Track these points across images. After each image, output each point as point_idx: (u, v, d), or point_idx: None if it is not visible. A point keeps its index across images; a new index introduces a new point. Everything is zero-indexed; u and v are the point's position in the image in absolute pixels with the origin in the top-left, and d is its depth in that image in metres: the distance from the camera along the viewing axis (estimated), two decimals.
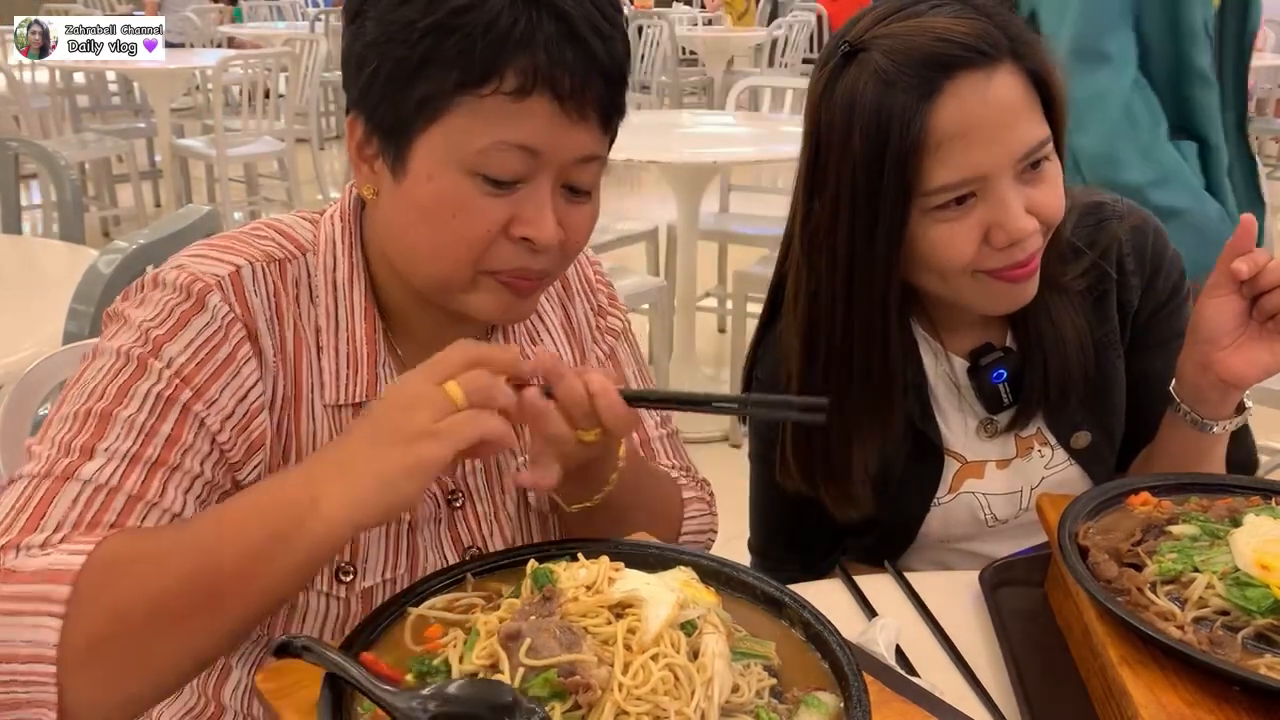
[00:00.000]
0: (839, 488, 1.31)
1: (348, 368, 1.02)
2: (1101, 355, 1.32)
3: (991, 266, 1.16)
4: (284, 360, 1.00)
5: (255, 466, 0.98)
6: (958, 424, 1.35)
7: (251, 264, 1.00)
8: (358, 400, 1.03)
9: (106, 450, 0.89)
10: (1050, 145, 1.16)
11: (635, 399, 0.92)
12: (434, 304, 1.03)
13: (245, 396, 0.96)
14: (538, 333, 1.17)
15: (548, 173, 0.95)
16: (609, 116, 0.96)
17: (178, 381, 0.93)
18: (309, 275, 1.03)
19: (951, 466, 1.35)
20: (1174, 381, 1.24)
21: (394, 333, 1.07)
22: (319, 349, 1.02)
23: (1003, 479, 1.37)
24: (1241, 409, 1.24)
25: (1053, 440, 1.36)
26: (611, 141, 1.00)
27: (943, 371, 1.34)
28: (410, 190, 0.95)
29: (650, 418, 1.26)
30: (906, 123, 1.10)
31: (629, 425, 0.92)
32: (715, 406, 0.97)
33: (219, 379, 0.95)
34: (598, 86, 0.93)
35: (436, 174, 0.93)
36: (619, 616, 0.77)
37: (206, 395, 0.94)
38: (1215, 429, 1.22)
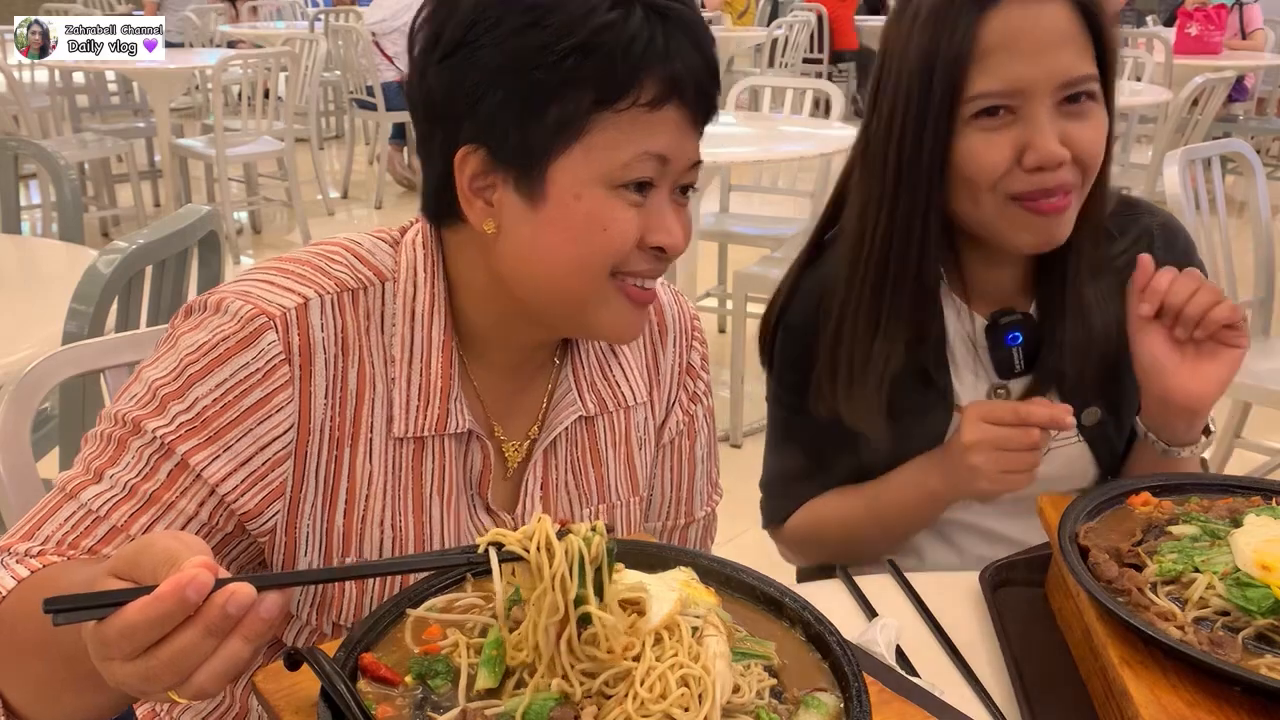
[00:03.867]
0: (859, 392, 1.32)
1: (419, 399, 1.00)
2: (1122, 338, 1.32)
3: (1019, 189, 1.20)
4: (343, 399, 0.98)
5: (272, 515, 0.98)
6: (969, 382, 1.37)
7: (321, 296, 0.97)
8: (425, 434, 1.01)
9: (112, 477, 0.93)
10: (1095, 86, 1.20)
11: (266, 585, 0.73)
12: (514, 334, 1.03)
13: (268, 445, 0.95)
14: (609, 366, 1.13)
15: (669, 180, 0.96)
16: (708, 119, 0.99)
17: (190, 428, 0.93)
18: (384, 304, 1.01)
19: (958, 420, 1.34)
20: (1139, 415, 1.31)
21: (470, 363, 1.06)
22: (390, 380, 1.00)
23: None
24: (1207, 432, 1.30)
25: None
26: None
27: (964, 330, 1.36)
28: (555, 214, 0.94)
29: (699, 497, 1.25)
30: (958, 30, 1.18)
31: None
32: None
33: (240, 424, 0.94)
34: (712, 92, 0.96)
35: (584, 193, 0.93)
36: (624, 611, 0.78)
37: (221, 441, 0.93)
38: (1184, 454, 1.28)
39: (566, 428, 1.09)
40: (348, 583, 1.01)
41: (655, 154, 0.93)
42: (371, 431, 1.00)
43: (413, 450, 1.01)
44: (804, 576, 1.70)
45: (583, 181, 0.93)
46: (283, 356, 0.94)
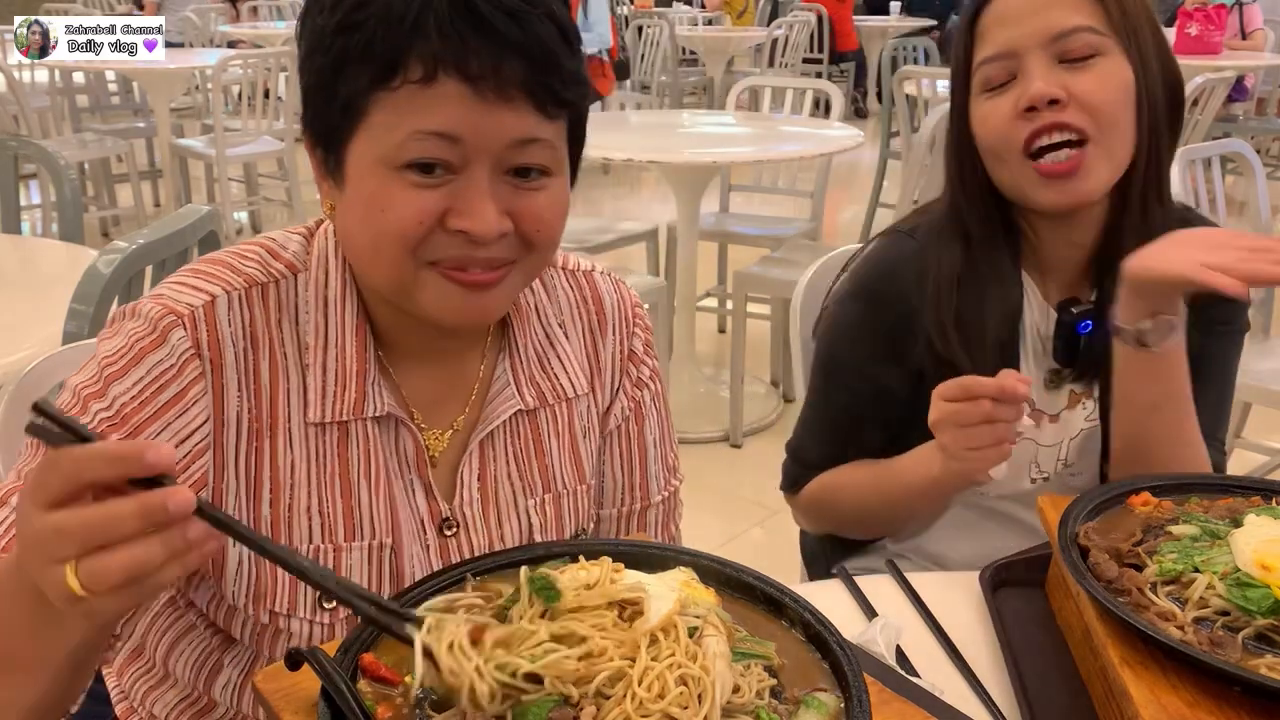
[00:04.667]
0: (975, 350, 1.36)
1: (335, 384, 1.01)
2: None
3: (1023, 136, 1.27)
4: (256, 391, 1.00)
5: None
6: (1030, 367, 1.41)
7: (228, 293, 0.99)
8: (343, 418, 1.01)
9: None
10: (1094, 38, 1.26)
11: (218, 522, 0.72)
12: (418, 321, 1.00)
13: (187, 439, 0.97)
14: (548, 359, 1.13)
15: (481, 161, 0.92)
16: (541, 97, 0.91)
17: (111, 424, 0.94)
18: (296, 295, 1.02)
19: None
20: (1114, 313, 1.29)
21: (385, 350, 1.06)
22: (304, 367, 1.01)
23: (1051, 432, 1.43)
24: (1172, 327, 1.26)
25: (1096, 394, 1.42)
26: (575, 122, 0.97)
27: (1034, 311, 1.41)
28: (351, 195, 0.95)
29: (658, 481, 1.23)
30: (967, 19, 1.34)
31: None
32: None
33: (160, 419, 0.95)
34: (516, 67, 0.89)
35: (367, 174, 0.93)
36: (622, 612, 0.78)
37: (143, 435, 0.95)
38: (1155, 349, 1.24)
39: (505, 421, 1.10)
40: (282, 573, 1.01)
41: (433, 132, 0.89)
42: (290, 421, 1.01)
43: (336, 437, 1.02)
44: (807, 577, 1.71)
45: (367, 163, 0.92)
46: (192, 352, 0.97)
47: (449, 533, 1.08)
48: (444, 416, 1.09)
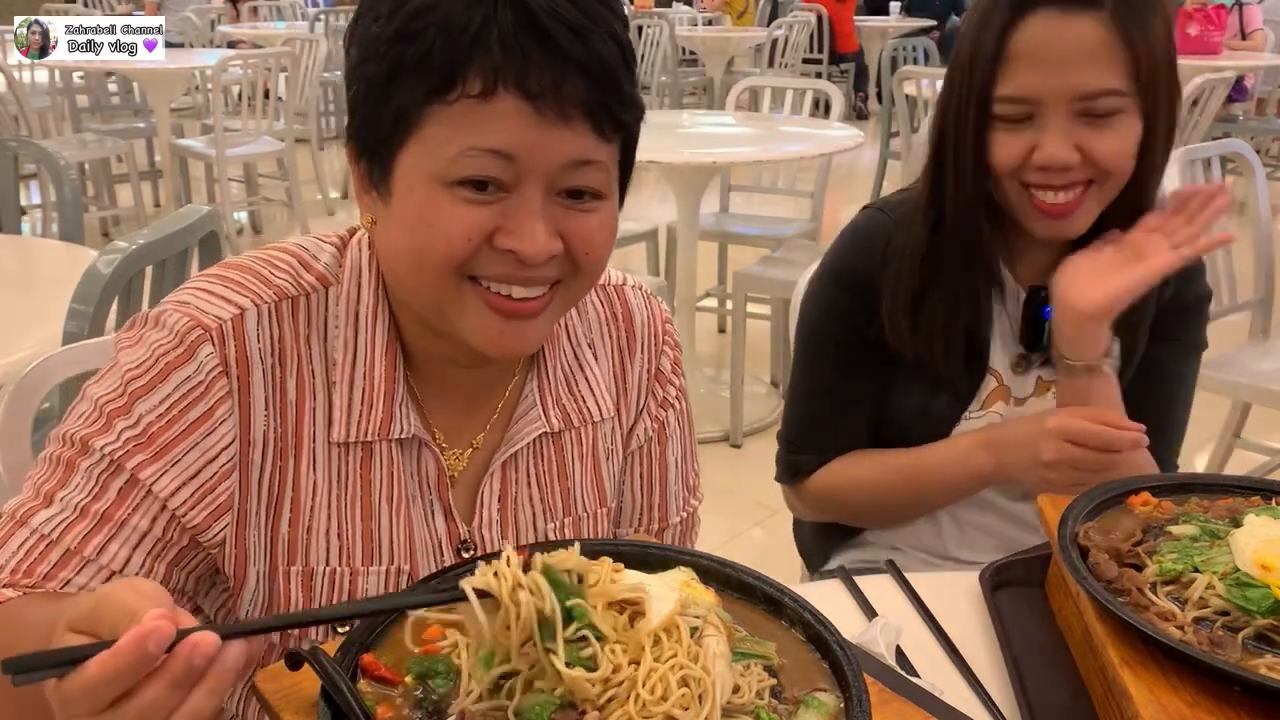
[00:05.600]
0: (933, 335, 1.40)
1: (361, 403, 0.98)
2: (1140, 332, 1.42)
3: (1030, 180, 1.30)
4: (283, 409, 0.97)
5: (221, 529, 0.97)
6: (999, 349, 1.45)
7: (258, 306, 0.96)
8: (368, 438, 0.99)
9: (62, 500, 0.92)
10: (1119, 100, 1.27)
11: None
12: (451, 345, 0.98)
13: (214, 459, 0.94)
14: (576, 381, 1.10)
15: (534, 180, 0.89)
16: (600, 118, 0.89)
17: (137, 444, 0.92)
18: (326, 310, 0.99)
19: (989, 384, 1.45)
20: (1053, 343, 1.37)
21: (412, 369, 1.03)
22: (330, 384, 0.98)
23: (1018, 413, 1.46)
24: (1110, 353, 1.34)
25: None
26: (626, 145, 0.95)
27: (1005, 300, 1.44)
28: (398, 208, 0.91)
29: (675, 503, 1.21)
30: (992, 33, 1.29)
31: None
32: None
33: (186, 438, 0.93)
34: (578, 85, 0.86)
35: (416, 187, 0.90)
36: (622, 612, 0.78)
37: (168, 456, 0.93)
38: (1083, 371, 1.32)
39: (529, 442, 1.07)
40: (295, 590, 1.00)
41: (489, 150, 0.86)
42: (314, 440, 0.98)
43: (359, 458, 0.99)
44: (808, 577, 1.71)
45: (417, 176, 0.89)
46: (220, 369, 0.94)
47: (467, 555, 1.05)
48: (465, 435, 1.06)
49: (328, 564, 1.00)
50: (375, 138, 0.91)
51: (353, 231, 1.05)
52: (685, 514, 1.22)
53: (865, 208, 1.51)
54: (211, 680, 0.66)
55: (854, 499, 1.52)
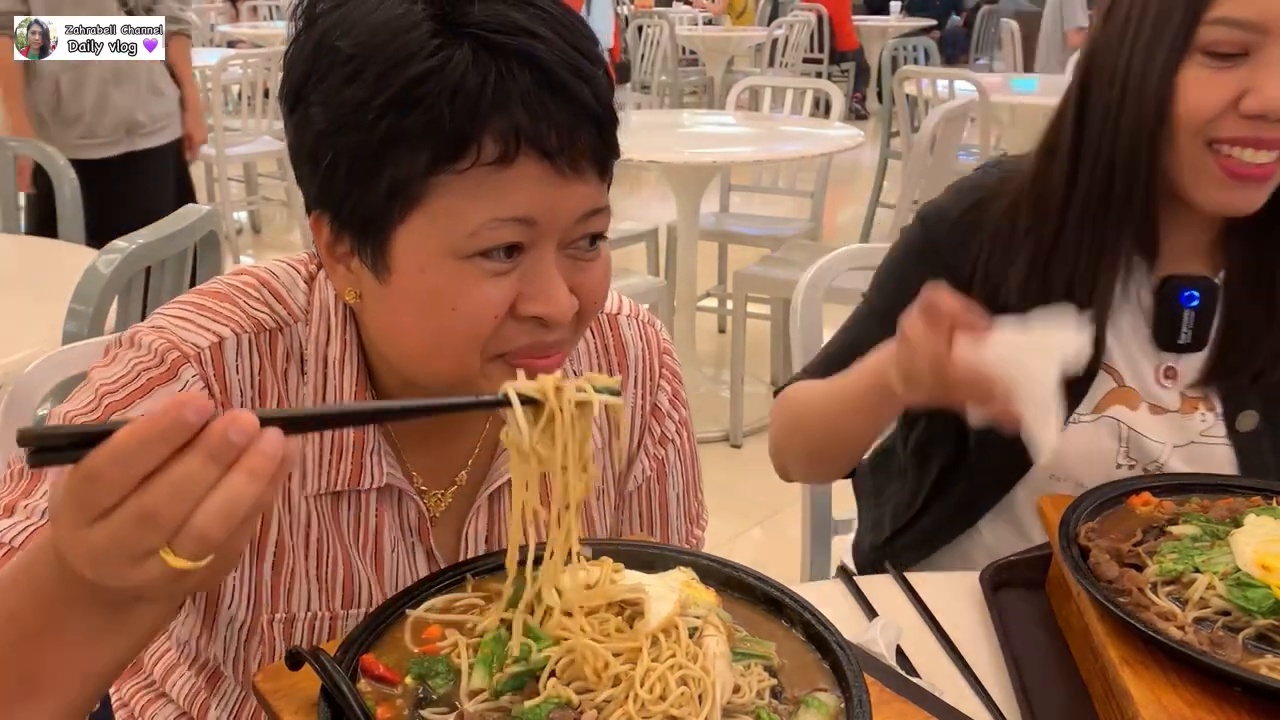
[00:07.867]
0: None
1: (331, 453, 0.94)
2: None
3: (1227, 134, 1.10)
4: None
5: None
6: (1118, 344, 1.26)
7: (238, 335, 0.92)
8: (338, 489, 0.95)
9: (26, 507, 0.85)
10: None
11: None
12: (430, 391, 0.91)
13: None
14: None
15: (549, 239, 0.84)
16: (604, 163, 0.85)
17: None
18: (300, 346, 0.95)
19: (1104, 384, 1.26)
20: None
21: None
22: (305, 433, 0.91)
23: (1154, 425, 1.27)
24: None
25: (1219, 409, 1.27)
26: (609, 184, 0.90)
27: (1135, 287, 1.25)
28: (401, 288, 0.85)
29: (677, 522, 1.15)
30: None
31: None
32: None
33: None
34: (589, 135, 0.83)
35: (429, 265, 0.83)
36: (622, 613, 0.78)
37: None
38: None
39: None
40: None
41: (511, 219, 0.81)
42: (290, 482, 0.94)
43: (335, 505, 0.96)
44: (808, 577, 1.71)
45: (428, 253, 0.82)
46: (205, 391, 0.89)
47: None
48: (446, 475, 1.03)
49: (309, 608, 0.97)
50: (363, 214, 0.84)
51: (317, 262, 0.98)
52: (688, 545, 1.18)
53: (991, 160, 1.35)
54: (249, 462, 0.60)
55: (800, 417, 1.33)
